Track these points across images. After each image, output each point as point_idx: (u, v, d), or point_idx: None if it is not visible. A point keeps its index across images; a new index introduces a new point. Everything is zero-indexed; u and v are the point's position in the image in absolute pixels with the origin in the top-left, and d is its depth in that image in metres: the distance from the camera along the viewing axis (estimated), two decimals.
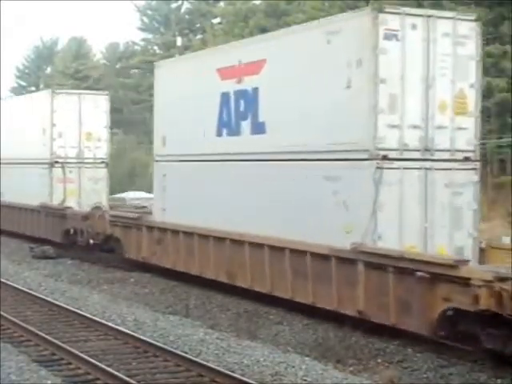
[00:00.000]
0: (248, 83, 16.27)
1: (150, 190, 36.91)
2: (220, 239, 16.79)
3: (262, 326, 14.09)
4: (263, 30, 37.29)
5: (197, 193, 18.00)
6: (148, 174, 44.24)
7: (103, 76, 65.02)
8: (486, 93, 26.39)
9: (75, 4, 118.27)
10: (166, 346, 12.01)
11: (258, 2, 50.71)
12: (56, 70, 71.61)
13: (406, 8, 13.52)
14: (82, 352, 11.64)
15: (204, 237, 17.37)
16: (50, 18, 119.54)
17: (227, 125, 17.01)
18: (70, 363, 11.44)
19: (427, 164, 13.44)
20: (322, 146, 14.16)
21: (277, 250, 14.97)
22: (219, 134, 17.31)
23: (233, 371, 10.72)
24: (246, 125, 16.38)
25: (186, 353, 11.71)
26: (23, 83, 78.80)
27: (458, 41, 13.57)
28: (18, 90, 73.97)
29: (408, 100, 13.29)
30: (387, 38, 13.14)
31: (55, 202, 25.62)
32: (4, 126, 29.39)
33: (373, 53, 13.09)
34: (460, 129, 13.65)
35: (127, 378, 10.38)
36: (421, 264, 11.78)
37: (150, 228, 19.77)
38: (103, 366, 10.88)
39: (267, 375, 10.73)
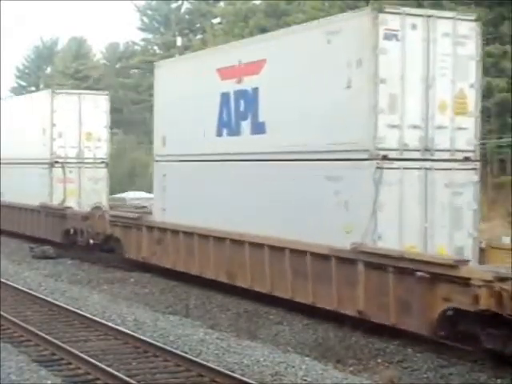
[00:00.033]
0: (248, 83, 16.27)
1: (149, 190, 36.88)
2: (220, 239, 16.79)
3: (262, 326, 14.09)
4: (263, 30, 37.29)
5: (197, 193, 18.00)
6: (148, 174, 44.22)
7: (103, 76, 65.02)
8: (486, 93, 26.38)
9: (75, 4, 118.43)
10: (166, 346, 11.99)
11: (258, 2, 50.71)
12: (56, 69, 71.57)
13: (406, 8, 13.52)
14: (82, 352, 11.62)
15: (204, 237, 17.36)
16: (50, 17, 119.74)
17: (227, 125, 17.01)
18: (69, 363, 11.43)
19: (427, 164, 13.44)
20: (322, 146, 14.16)
21: (277, 249, 14.96)
22: (219, 134, 17.30)
23: (233, 371, 10.71)
24: (246, 125, 16.37)
25: (186, 353, 11.69)
26: (23, 83, 78.77)
27: (458, 41, 13.57)
28: (18, 90, 73.94)
29: (408, 100, 13.29)
30: (387, 37, 13.13)
31: (55, 202, 25.62)
32: (4, 125, 29.38)
33: (373, 53, 13.09)
34: (460, 129, 13.64)
35: (127, 378, 10.36)
36: (421, 264, 11.78)
37: (150, 228, 19.76)
38: (103, 366, 10.86)
39: (267, 375, 10.72)
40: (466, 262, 11.55)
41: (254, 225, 15.79)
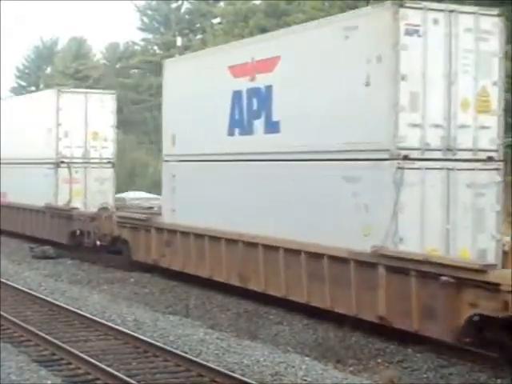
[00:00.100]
0: (261, 81, 15.82)
1: (149, 190, 36.90)
2: (232, 241, 16.34)
3: (262, 326, 13.99)
4: (263, 30, 37.03)
5: (207, 194, 17.54)
6: (148, 174, 44.16)
7: (103, 76, 64.66)
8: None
9: (75, 4, 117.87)
10: (166, 346, 11.98)
11: (258, 2, 50.36)
12: (56, 69, 71.26)
13: (427, 2, 13.01)
14: (82, 352, 11.60)
15: (215, 239, 16.91)
16: (50, 17, 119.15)
17: (239, 124, 16.56)
18: (69, 363, 11.40)
19: (449, 164, 12.97)
20: (339, 146, 13.70)
21: (292, 252, 14.51)
22: (231, 134, 16.86)
23: (233, 371, 10.68)
24: (259, 124, 15.92)
25: (186, 353, 11.67)
26: (23, 83, 78.46)
27: (481, 36, 13.10)
28: (18, 90, 73.69)
29: (429, 98, 12.83)
30: (408, 33, 12.68)
31: (61, 202, 25.19)
32: (9, 125, 28.95)
33: (393, 49, 12.63)
34: (483, 128, 13.17)
35: (127, 378, 10.34)
36: (446, 268, 11.32)
37: (160, 230, 19.32)
38: (103, 366, 10.85)
39: (267, 375, 10.67)
40: (494, 266, 11.12)
41: (268, 227, 15.35)
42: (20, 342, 12.68)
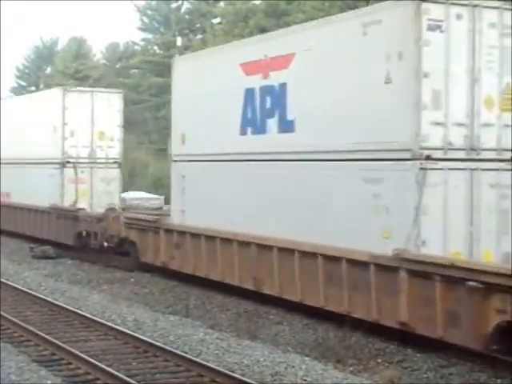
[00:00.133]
0: (275, 78, 15.36)
1: (149, 190, 36.53)
2: (245, 243, 15.89)
3: (262, 326, 13.94)
4: (263, 30, 36.80)
5: (218, 194, 17.10)
6: (148, 174, 43.75)
7: (103, 76, 64.19)
8: None
9: (75, 4, 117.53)
10: (166, 346, 11.97)
11: (258, 2, 50.05)
12: (56, 69, 71.02)
13: None
14: (82, 352, 11.60)
15: (227, 241, 16.46)
16: (50, 17, 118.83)
17: (252, 123, 16.11)
18: (69, 363, 11.38)
19: (473, 164, 12.51)
20: (357, 146, 13.24)
21: (308, 255, 14.06)
22: (243, 133, 16.40)
23: (233, 371, 10.67)
24: (272, 123, 15.47)
25: (186, 353, 11.66)
26: (23, 83, 78.30)
27: (505, 32, 12.63)
28: (18, 90, 73.53)
29: (452, 95, 12.37)
30: (431, 28, 12.22)
31: (66, 203, 24.77)
32: (13, 125, 28.51)
33: (415, 45, 12.17)
34: (507, 126, 12.71)
35: (127, 378, 10.32)
36: (473, 273, 10.85)
37: (169, 231, 18.87)
38: (103, 366, 10.84)
39: (267, 375, 10.65)
40: None
41: (282, 229, 14.91)
42: (20, 341, 12.66)
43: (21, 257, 23.41)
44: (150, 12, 65.12)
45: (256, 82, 15.91)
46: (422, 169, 12.14)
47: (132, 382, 10.21)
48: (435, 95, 12.26)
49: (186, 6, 63.83)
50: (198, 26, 61.65)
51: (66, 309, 14.99)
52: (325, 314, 13.82)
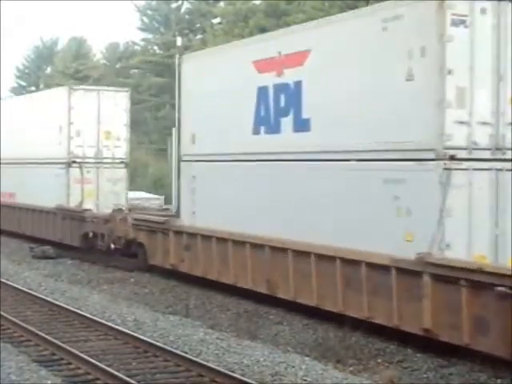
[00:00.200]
0: (289, 76, 14.92)
1: (149, 190, 36.13)
2: (258, 246, 15.45)
3: (262, 326, 13.91)
4: (263, 30, 36.61)
5: (231, 195, 16.64)
6: (148, 174, 43.39)
7: (103, 76, 63.89)
8: None
9: (75, 4, 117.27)
10: (166, 346, 11.97)
11: (258, 2, 49.81)
12: (56, 69, 70.91)
13: None
14: (82, 352, 11.61)
15: (240, 243, 16.01)
16: (50, 17, 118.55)
17: (265, 122, 15.67)
18: (69, 363, 11.39)
19: (498, 164, 12.05)
20: (378, 145, 12.79)
21: (326, 259, 13.61)
22: (256, 132, 15.95)
23: (233, 371, 10.66)
24: (287, 122, 15.02)
25: (186, 353, 11.66)
26: (23, 83, 78.22)
27: None
28: (18, 90, 73.43)
29: (477, 93, 11.91)
30: (455, 24, 11.76)
31: (72, 203, 24.35)
32: (18, 124, 28.08)
33: (439, 41, 11.72)
34: None
35: (127, 378, 10.32)
36: (502, 278, 10.40)
37: (178, 233, 18.43)
38: (103, 366, 10.85)
39: (267, 375, 10.64)
40: None
41: (297, 231, 14.46)
42: (20, 341, 12.67)
43: (21, 257, 23.28)
44: (150, 12, 64.87)
45: (269, 79, 15.47)
46: (445, 169, 11.69)
47: (132, 382, 10.20)
48: (459, 93, 11.81)
49: (186, 5, 63.66)
50: (198, 25, 61.40)
51: (66, 309, 14.98)
52: (325, 314, 13.70)
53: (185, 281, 18.12)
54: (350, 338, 12.69)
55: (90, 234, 22.67)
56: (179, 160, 20.26)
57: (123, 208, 22.94)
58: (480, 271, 10.69)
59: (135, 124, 56.18)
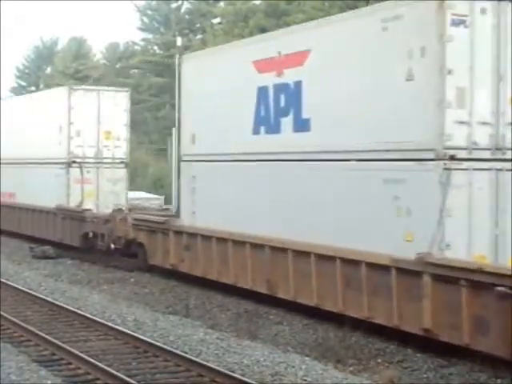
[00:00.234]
0: (289, 76, 14.91)
1: (149, 190, 36.12)
2: (258, 246, 15.45)
3: (262, 326, 13.92)
4: (263, 30, 36.59)
5: (231, 195, 16.64)
6: (148, 174, 43.41)
7: (103, 76, 63.89)
8: None
9: (75, 4, 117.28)
10: (166, 346, 11.97)
11: (258, 2, 49.83)
12: (56, 69, 70.92)
13: None
14: (82, 352, 11.62)
15: (240, 243, 16.02)
16: (50, 17, 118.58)
17: (265, 122, 15.66)
18: (70, 363, 11.39)
19: (498, 164, 12.05)
20: (378, 145, 12.79)
21: (325, 259, 13.61)
22: (256, 132, 15.95)
23: (233, 371, 10.67)
24: (287, 122, 15.01)
25: (186, 353, 11.67)
26: (23, 83, 78.25)
27: None
28: (18, 90, 73.45)
29: (477, 93, 11.91)
30: (454, 23, 11.76)
31: (72, 203, 24.34)
32: (17, 124, 28.07)
33: (439, 41, 11.72)
34: None
35: (127, 378, 10.32)
36: (503, 278, 10.40)
37: (178, 233, 18.43)
38: (103, 366, 10.85)
39: (267, 375, 10.65)
40: None
41: (297, 231, 14.46)
42: (20, 341, 12.67)
43: (21, 257, 23.28)
44: (150, 12, 64.87)
45: (269, 79, 15.47)
46: (445, 169, 11.69)
47: (132, 382, 10.19)
48: (459, 93, 11.81)
49: (186, 5, 63.67)
50: (198, 25, 61.41)
51: (66, 309, 14.98)
52: (325, 314, 13.69)
53: (185, 281, 18.14)
54: (350, 338, 12.70)
55: (90, 234, 22.67)
56: (179, 160, 20.25)
57: (123, 208, 22.93)
58: (480, 271, 10.70)
59: (135, 124, 56.27)
